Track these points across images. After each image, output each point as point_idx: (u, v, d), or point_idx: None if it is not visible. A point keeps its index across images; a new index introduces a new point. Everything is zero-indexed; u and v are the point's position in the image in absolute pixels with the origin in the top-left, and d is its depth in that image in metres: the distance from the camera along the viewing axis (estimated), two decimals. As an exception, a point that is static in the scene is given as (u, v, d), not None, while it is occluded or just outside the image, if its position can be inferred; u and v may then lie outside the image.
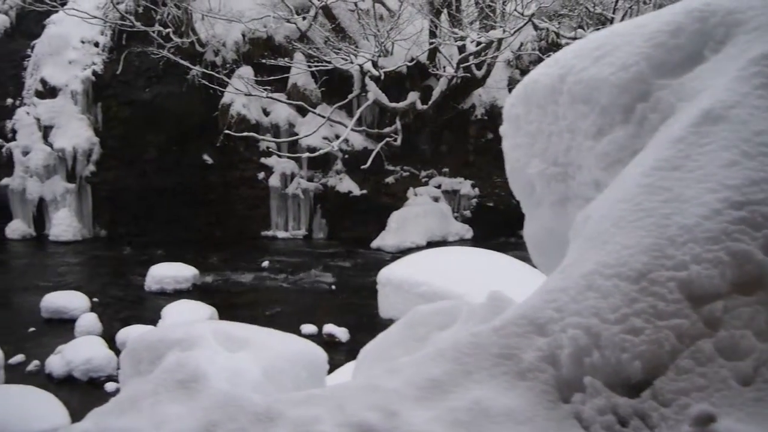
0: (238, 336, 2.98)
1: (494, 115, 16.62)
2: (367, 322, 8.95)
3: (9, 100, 15.76)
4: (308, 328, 8.51)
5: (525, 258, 8.23)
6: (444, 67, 15.58)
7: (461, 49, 14.82)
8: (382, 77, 14.59)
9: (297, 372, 2.98)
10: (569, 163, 2.54)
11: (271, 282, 11.74)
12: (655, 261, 1.82)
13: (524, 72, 16.50)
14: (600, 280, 1.89)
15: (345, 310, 9.84)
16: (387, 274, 7.15)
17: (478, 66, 15.45)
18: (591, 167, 2.39)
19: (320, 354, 3.25)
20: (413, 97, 15.50)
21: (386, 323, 7.63)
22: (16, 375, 6.89)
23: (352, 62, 14.31)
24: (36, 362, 7.24)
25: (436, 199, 16.21)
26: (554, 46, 15.99)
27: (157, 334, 2.93)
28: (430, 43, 14.98)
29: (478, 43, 14.47)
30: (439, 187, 16.47)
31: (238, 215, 15.93)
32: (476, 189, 16.66)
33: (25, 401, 4.94)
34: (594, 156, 2.37)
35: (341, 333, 8.41)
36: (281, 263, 13.11)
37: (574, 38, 14.00)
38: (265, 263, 12.90)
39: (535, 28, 15.23)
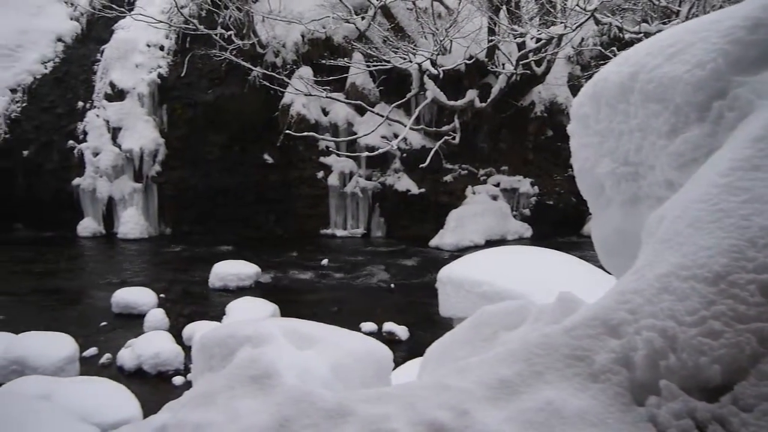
0: (306, 333, 3.03)
1: (554, 112, 16.41)
2: (426, 321, 8.97)
3: (80, 103, 16.40)
4: (368, 326, 8.57)
5: (587, 257, 8.10)
6: (503, 65, 15.45)
7: (521, 45, 14.65)
8: (441, 76, 14.56)
9: (364, 370, 3.01)
10: (640, 162, 2.49)
11: (330, 280, 11.87)
12: (734, 263, 1.78)
13: (585, 68, 16.23)
14: (676, 282, 1.86)
15: (404, 308, 9.87)
16: (447, 272, 7.12)
17: (538, 63, 15.26)
18: (664, 167, 2.34)
19: (386, 352, 3.28)
20: (471, 95, 15.42)
21: (446, 322, 7.65)
22: (90, 367, 7.18)
23: (410, 61, 14.32)
24: (108, 355, 7.51)
25: (494, 198, 16.08)
26: (616, 41, 15.67)
27: (228, 331, 3.00)
28: (489, 41, 14.87)
29: (538, 40, 14.28)
30: (497, 185, 16.34)
31: (298, 214, 16.16)
32: (535, 187, 16.45)
33: (100, 392, 5.14)
34: (667, 155, 2.32)
35: (401, 331, 8.45)
36: (340, 261, 13.23)
37: (638, 33, 13.69)
38: (325, 261, 13.06)
39: (597, 22, 14.94)
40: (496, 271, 6.71)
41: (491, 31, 14.88)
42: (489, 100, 15.35)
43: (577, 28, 13.57)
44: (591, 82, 2.73)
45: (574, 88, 16.38)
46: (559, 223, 15.89)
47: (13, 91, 16.45)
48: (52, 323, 8.48)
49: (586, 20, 13.54)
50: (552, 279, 6.13)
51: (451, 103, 15.20)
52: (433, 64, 14.51)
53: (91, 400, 4.85)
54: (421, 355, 6.58)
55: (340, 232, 16.15)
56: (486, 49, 15.05)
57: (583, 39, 15.98)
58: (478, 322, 2.64)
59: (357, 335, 3.38)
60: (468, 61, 14.66)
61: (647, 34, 14.37)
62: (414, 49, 14.65)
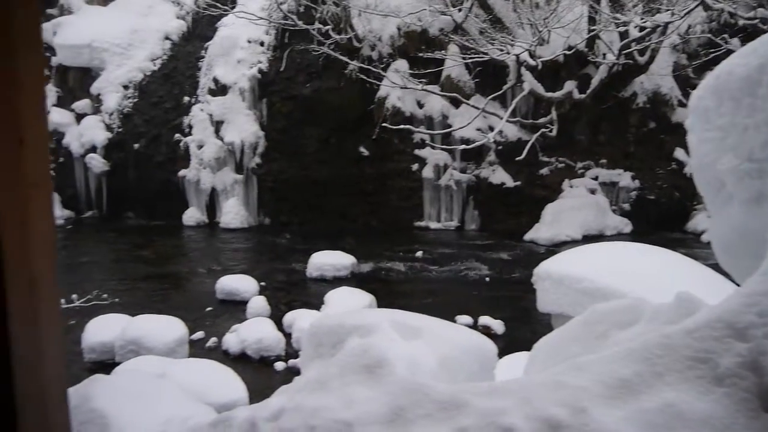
0: (412, 325, 3.09)
1: (657, 103, 15.77)
2: (523, 316, 8.88)
3: (186, 98, 17.16)
4: (463, 319, 8.57)
5: (694, 255, 7.77)
6: (604, 54, 14.97)
7: (623, 34, 14.15)
8: (540, 67, 14.28)
9: (469, 363, 3.04)
10: (767, 158, 2.39)
11: (425, 272, 11.93)
12: None
13: (692, 57, 15.50)
14: (811, 284, 1.78)
15: (500, 302, 9.81)
16: (546, 267, 7.01)
17: (641, 52, 14.70)
18: (794, 163, 2.24)
19: (491, 346, 3.29)
20: (570, 86, 15.05)
21: (545, 318, 7.55)
22: (198, 349, 7.55)
23: (508, 53, 14.12)
24: (214, 339, 7.87)
25: (592, 192, 15.64)
26: (727, 28, 14.87)
27: (337, 320, 3.10)
28: (590, 30, 14.45)
29: (642, 28, 13.74)
30: (596, 178, 15.88)
31: (392, 206, 16.30)
32: (636, 181, 15.87)
33: (210, 374, 5.41)
34: (798, 151, 2.22)
35: (497, 325, 8.41)
36: (434, 254, 13.27)
37: (753, 18, 12.95)
38: (419, 253, 13.13)
39: (707, 8, 14.22)
40: (598, 267, 6.55)
41: (592, 20, 14.45)
42: (588, 92, 14.93)
43: (685, 15, 12.96)
44: (713, 74, 2.63)
45: (680, 78, 15.68)
46: (662, 218, 15.28)
47: (125, 87, 17.42)
48: (162, 307, 8.98)
49: (696, 6, 12.92)
50: (657, 277, 5.94)
51: (549, 94, 14.89)
52: (531, 55, 14.26)
53: (202, 381, 5.11)
54: (519, 350, 6.54)
55: (433, 225, 16.17)
56: (586, 38, 14.64)
57: (690, 26, 15.23)
58: (590, 320, 2.61)
59: (462, 328, 3.40)
60: (567, 52, 14.30)
61: (764, 20, 13.57)
62: (512, 40, 14.43)
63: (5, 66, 0.68)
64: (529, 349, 6.66)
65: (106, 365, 7.05)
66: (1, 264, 0.68)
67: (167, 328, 7.04)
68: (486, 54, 14.22)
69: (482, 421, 2.02)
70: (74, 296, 9.51)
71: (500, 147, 15.76)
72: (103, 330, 7.20)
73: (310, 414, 2.40)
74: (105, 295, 9.71)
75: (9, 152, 0.70)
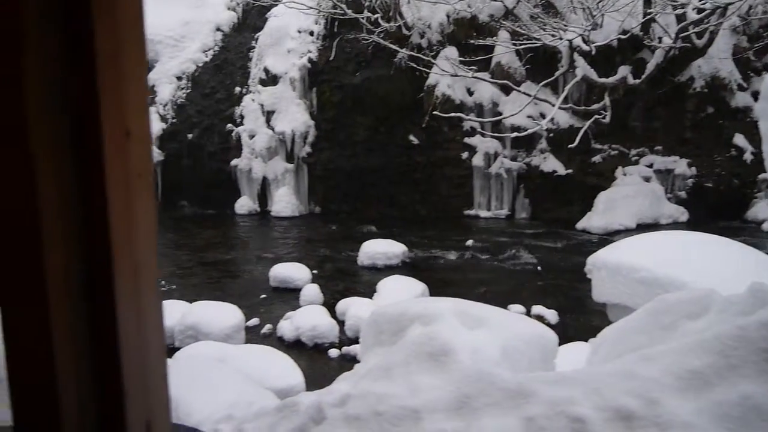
0: (474, 314, 3.10)
1: (716, 87, 15.31)
2: (576, 305, 8.79)
3: (237, 89, 17.40)
4: (516, 308, 8.51)
5: (754, 245, 7.55)
6: (659, 38, 14.59)
7: (680, 17, 13.77)
8: (593, 52, 14.01)
9: (531, 353, 3.04)
10: None
11: (475, 261, 11.89)
12: None
13: (753, 39, 14.99)
14: None
15: (552, 291, 9.72)
16: (602, 257, 6.92)
17: (699, 34, 14.28)
18: None
19: (552, 336, 3.28)
20: (624, 71, 14.73)
21: (599, 308, 7.46)
22: (253, 336, 7.71)
23: (560, 38, 13.88)
24: (269, 326, 8.02)
25: (647, 179, 15.31)
26: (792, 8, 14.31)
27: (399, 308, 3.13)
28: (646, 13, 14.09)
29: (701, 10, 13.34)
30: (650, 166, 15.53)
31: (442, 194, 16.27)
32: (693, 168, 15.47)
33: (268, 359, 5.52)
34: None
35: (550, 315, 8.34)
36: (485, 242, 13.21)
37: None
38: (470, 242, 13.08)
39: (769, -12, 13.71)
40: (656, 257, 6.44)
41: (648, 3, 14.09)
42: (643, 76, 14.58)
43: (747, -5, 12.53)
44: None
45: (740, 61, 15.18)
46: (719, 207, 14.87)
47: (179, 78, 17.76)
48: (218, 294, 9.18)
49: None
50: (719, 267, 5.81)
51: (602, 80, 14.61)
52: (585, 40, 13.99)
53: (260, 366, 5.23)
54: (573, 340, 6.48)
55: (483, 213, 16.09)
56: (642, 22, 14.28)
57: (751, 7, 14.72)
58: (656, 310, 2.58)
59: (523, 318, 3.40)
60: (622, 36, 13.98)
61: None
62: (565, 25, 14.19)
63: (113, 59, 0.71)
64: (584, 339, 6.61)
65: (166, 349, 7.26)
66: (110, 250, 0.72)
67: (224, 314, 7.20)
68: (538, 40, 14.02)
69: (550, 411, 2.03)
70: (134, 283, 9.78)
71: (551, 134, 15.55)
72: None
73: (377, 400, 2.45)
74: (163, 282, 9.96)
75: (117, 144, 0.74)
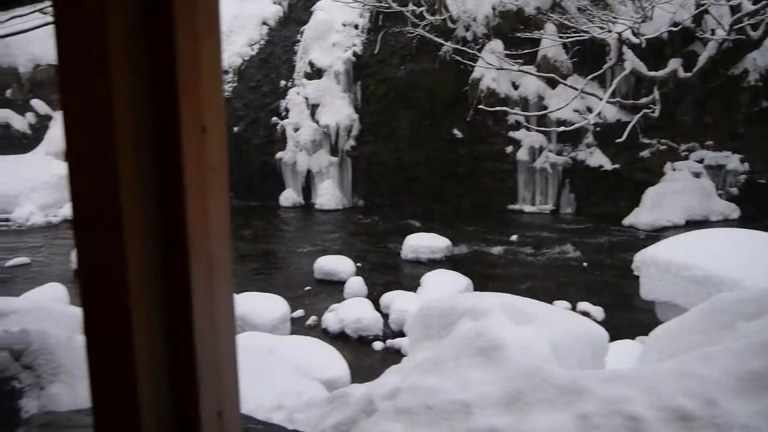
0: (522, 309, 3.09)
1: (772, 80, 14.84)
2: (623, 303, 8.66)
3: (283, 82, 17.56)
4: (561, 304, 8.43)
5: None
6: (712, 30, 14.20)
7: (735, 8, 13.37)
8: (643, 45, 13.72)
9: (581, 349, 3.01)
10: None
11: (520, 256, 11.80)
12: None
13: (812, 30, 14.45)
14: None
15: (598, 288, 9.59)
16: (651, 254, 6.80)
17: (755, 26, 13.84)
18: None
19: (602, 333, 3.25)
20: (674, 64, 14.38)
21: (648, 305, 7.34)
22: (299, 327, 7.81)
23: (609, 30, 13.62)
24: (314, 317, 8.11)
25: (697, 175, 14.94)
26: None
27: (448, 303, 3.14)
28: (699, 5, 13.72)
29: (756, 1, 12.94)
30: (701, 161, 15.14)
31: (486, 188, 16.17)
32: (746, 164, 15.02)
33: (314, 351, 5.59)
34: None
35: (596, 312, 8.24)
36: (529, 237, 13.09)
37: None
38: (514, 237, 12.99)
39: (830, -22, 13.21)
40: (707, 254, 6.30)
41: (700, -6, 13.73)
42: (695, 69, 14.21)
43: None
44: None
45: (797, 53, 14.67)
46: (774, 203, 14.44)
47: (226, 72, 17.99)
48: (264, 285, 9.31)
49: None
50: (774, 265, 5.66)
51: (652, 73, 14.29)
52: (634, 32, 13.71)
53: (307, 357, 5.30)
54: (621, 337, 6.38)
55: (527, 208, 15.93)
56: (694, 14, 13.92)
57: (810, -3, 14.20)
58: (714, 309, 2.53)
59: (573, 314, 3.37)
60: (673, 28, 13.65)
61: None
62: (614, 17, 13.92)
63: (191, 57, 0.74)
64: (632, 336, 6.52)
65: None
66: (186, 243, 0.74)
67: (271, 305, 7.31)
68: (586, 33, 13.78)
69: (605, 409, 2.01)
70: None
71: (598, 128, 15.29)
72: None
73: (427, 394, 2.46)
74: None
75: (194, 140, 0.76)
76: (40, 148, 18.79)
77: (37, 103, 20.18)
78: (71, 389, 3.44)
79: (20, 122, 20.07)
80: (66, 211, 15.85)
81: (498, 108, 14.67)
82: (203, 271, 0.79)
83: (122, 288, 0.73)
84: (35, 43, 19.28)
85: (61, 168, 17.11)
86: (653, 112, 14.36)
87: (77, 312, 5.78)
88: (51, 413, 3.19)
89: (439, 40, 15.50)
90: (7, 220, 15.45)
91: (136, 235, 0.73)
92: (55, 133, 18.66)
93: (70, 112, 0.69)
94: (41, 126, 19.90)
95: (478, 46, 15.60)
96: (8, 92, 20.22)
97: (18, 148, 19.45)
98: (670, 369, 2.05)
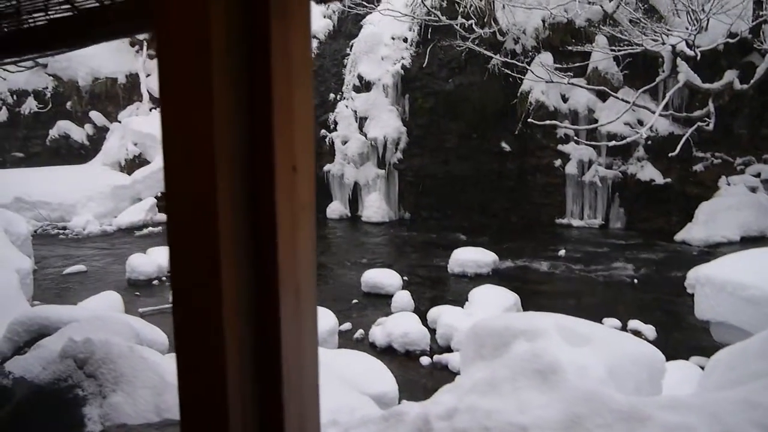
0: (579, 331, 3.06)
1: (833, 93, 14.37)
2: (676, 322, 8.47)
3: (332, 95, 17.76)
4: (611, 322, 8.29)
5: None
6: (771, 41, 13.84)
7: (795, 19, 13.02)
8: (698, 57, 13.45)
9: (638, 373, 2.97)
10: None
11: (568, 271, 11.64)
12: None
13: None
14: None
15: (650, 306, 9.39)
16: (705, 272, 6.64)
17: (815, 38, 13.45)
18: None
19: (659, 356, 3.20)
20: (730, 76, 14.05)
21: (702, 325, 7.17)
22: (346, 340, 7.85)
23: (663, 43, 13.40)
24: (361, 331, 8.14)
25: (753, 190, 14.53)
26: None
27: (502, 322, 3.13)
28: (757, 15, 13.40)
29: (818, 12, 12.58)
30: (757, 175, 14.72)
31: (533, 202, 16.03)
32: (805, 179, 14.57)
33: (362, 365, 5.62)
34: None
35: (648, 330, 8.06)
36: (577, 252, 12.92)
37: None
38: (562, 252, 12.83)
39: None
40: (765, 274, 6.12)
41: (759, 4, 13.40)
42: (752, 81, 13.85)
43: None
44: None
45: None
46: (835, 220, 13.94)
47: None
48: (312, 297, 9.38)
49: None
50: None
51: (706, 85, 13.99)
52: (689, 44, 13.46)
53: (356, 371, 5.33)
54: (674, 358, 6.24)
55: (576, 222, 15.74)
56: (752, 25, 13.60)
57: None
58: (778, 336, 2.47)
59: (628, 336, 3.33)
60: (730, 40, 13.36)
61: None
62: (668, 29, 13.70)
63: (286, 103, 0.78)
64: (686, 357, 6.37)
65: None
66: (277, 275, 0.78)
67: (319, 318, 7.37)
68: (639, 45, 13.58)
69: (668, 437, 1.99)
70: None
71: (649, 141, 15.02)
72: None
73: (484, 416, 2.46)
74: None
75: (285, 178, 0.80)
76: (97, 159, 19.39)
77: (95, 115, 20.85)
78: (132, 399, 3.55)
79: (79, 133, 20.76)
80: (120, 220, 16.30)
81: (547, 121, 14.56)
82: (291, 300, 0.84)
83: (217, 313, 0.77)
84: (95, 57, 19.98)
85: (117, 178, 17.61)
86: (708, 124, 14.06)
87: (134, 321, 5.94)
88: (124, 426, 3.29)
89: (488, 53, 15.49)
90: (65, 228, 15.96)
91: (230, 264, 0.77)
92: (112, 144, 19.23)
93: (172, 149, 0.75)
94: (98, 137, 20.55)
95: (527, 59, 15.52)
96: (68, 104, 20.94)
97: (76, 159, 20.12)
98: (735, 397, 2.02)
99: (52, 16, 1.53)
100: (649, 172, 15.17)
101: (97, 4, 1.43)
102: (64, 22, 1.67)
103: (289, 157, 0.84)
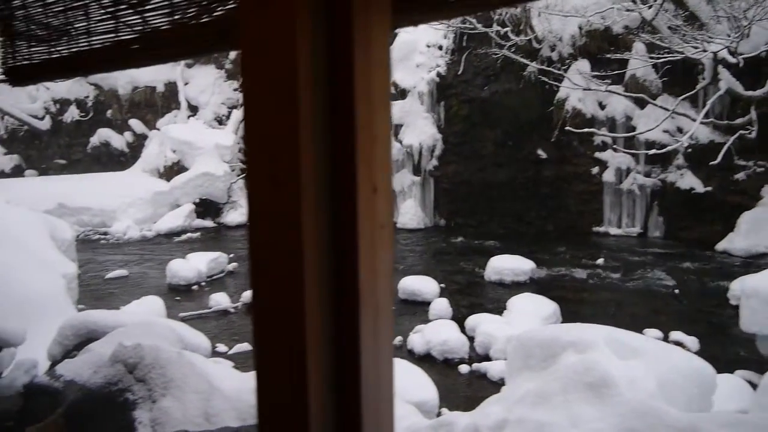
0: (629, 344, 3.04)
1: None
2: (720, 333, 8.32)
3: (367, 103, 17.84)
4: (652, 332, 8.17)
5: None
6: (817, 47, 13.53)
7: (841, 25, 12.71)
8: (741, 64, 13.22)
9: (689, 387, 2.94)
10: None
11: (606, 280, 11.51)
12: None
13: None
14: None
15: (691, 317, 9.23)
16: (752, 284, 6.52)
17: None
18: None
19: (710, 371, 3.15)
20: (774, 82, 13.77)
21: (748, 337, 7.02)
22: (384, 348, 7.86)
23: (704, 50, 13.19)
24: (399, 338, 8.16)
25: (797, 199, 14.21)
26: None
27: (551, 334, 3.13)
28: (802, 22, 13.11)
29: None
30: (802, 185, 14.41)
31: (570, 210, 15.89)
32: None
33: (403, 372, 5.63)
34: None
35: (691, 342, 7.93)
36: (616, 261, 12.76)
37: None
38: (600, 260, 12.69)
39: None
40: (815, 286, 5.99)
41: (803, 10, 13.12)
42: (796, 89, 13.56)
43: None
44: None
45: None
46: None
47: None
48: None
49: None
50: None
51: (749, 93, 13.72)
52: (731, 51, 13.23)
53: (396, 379, 5.34)
54: (720, 371, 6.12)
55: (613, 231, 15.55)
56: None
57: None
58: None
59: (678, 350, 3.29)
60: (774, 46, 13.09)
61: None
62: (709, 36, 13.48)
63: (367, 125, 0.81)
64: (731, 370, 6.25)
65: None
66: (358, 294, 0.81)
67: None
68: (680, 52, 13.38)
69: (728, 453, 1.97)
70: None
71: (689, 149, 14.78)
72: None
73: (536, 428, 2.46)
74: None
75: (367, 199, 0.83)
76: (136, 166, 19.77)
77: (135, 123, 21.27)
78: (181, 404, 3.62)
79: (119, 141, 21.19)
80: (160, 225, 16.58)
81: (585, 129, 14.42)
82: (370, 318, 0.86)
83: (299, 329, 0.80)
84: (134, 66, 20.34)
85: (156, 185, 17.93)
86: (750, 132, 13.78)
87: (178, 326, 6.04)
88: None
89: (524, 61, 15.42)
90: (106, 233, 16.29)
91: (313, 283, 0.80)
92: (151, 152, 19.59)
93: (257, 169, 0.78)
94: (138, 144, 20.96)
95: (564, 67, 15.41)
96: (108, 112, 21.39)
97: (116, 165, 20.54)
98: (797, 416, 1.99)
99: (122, 37, 1.59)
100: (689, 181, 14.93)
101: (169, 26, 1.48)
102: (132, 42, 1.73)
103: (370, 178, 0.87)
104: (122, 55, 1.55)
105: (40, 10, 1.70)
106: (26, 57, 1.84)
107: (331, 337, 0.86)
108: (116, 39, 1.55)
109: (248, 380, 4.04)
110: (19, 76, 1.92)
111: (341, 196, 0.85)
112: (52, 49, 1.72)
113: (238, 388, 3.67)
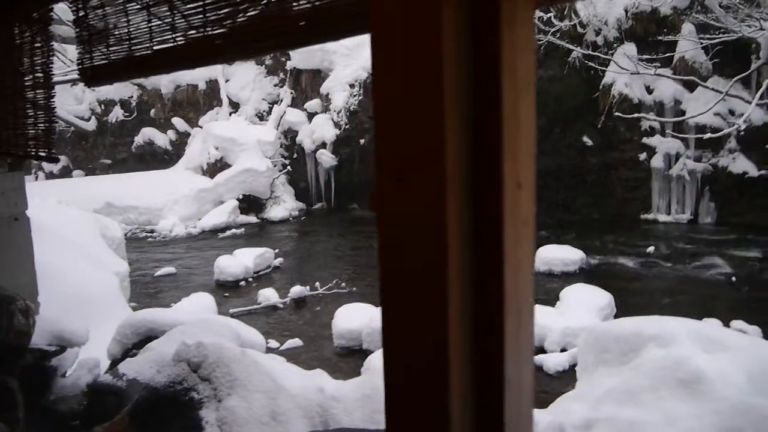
0: (712, 336, 2.91)
1: None
2: (785, 322, 8.03)
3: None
4: (711, 321, 7.88)
5: None
6: None
7: None
8: (798, 42, 12.74)
9: (781, 381, 2.80)
10: None
11: (658, 268, 11.24)
12: None
13: None
14: None
15: (752, 305, 8.94)
16: (821, 270, 6.27)
17: None
18: None
19: (800, 364, 3.00)
20: (832, 61, 13.27)
21: (817, 326, 6.75)
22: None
23: (762, 28, 12.72)
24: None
25: None
26: None
27: (629, 327, 3.01)
28: None
29: None
30: None
31: (617, 197, 15.58)
32: None
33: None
34: None
35: (754, 332, 7.64)
36: (667, 248, 12.46)
37: None
38: (650, 248, 12.39)
39: None
40: None
41: None
42: None
43: None
44: None
45: None
46: None
47: (351, 86, 18.41)
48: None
49: None
50: None
51: (805, 72, 13.24)
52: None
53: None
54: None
55: (662, 217, 15.18)
56: None
57: None
58: None
59: (764, 342, 3.14)
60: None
61: None
62: (766, 14, 13.01)
63: (512, 114, 0.74)
64: (803, 360, 5.99)
65: (353, 351, 7.55)
66: (503, 295, 0.74)
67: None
68: (734, 32, 12.93)
69: None
70: (317, 284, 10.28)
71: (742, 132, 14.32)
72: (351, 318, 7.70)
73: (628, 428, 2.36)
74: (343, 284, 10.36)
75: (510, 195, 0.76)
76: (180, 164, 20.01)
77: (178, 121, 21.54)
78: (247, 402, 3.60)
79: (162, 139, 21.49)
80: (204, 222, 16.76)
81: (633, 114, 14.08)
82: (513, 321, 0.79)
83: (442, 331, 0.74)
84: (176, 64, 20.56)
85: (200, 182, 18.12)
86: (807, 113, 13.30)
87: (233, 323, 6.05)
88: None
89: (569, 46, 15.12)
90: (152, 231, 16.53)
91: (455, 282, 0.74)
92: (194, 149, 19.81)
93: (388, 161, 0.71)
94: (181, 142, 21.23)
95: (610, 51, 15.06)
96: (152, 112, 21.70)
97: (160, 164, 20.84)
98: None
99: (209, 32, 1.54)
100: (742, 164, 14.49)
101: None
102: (217, 37, 1.68)
103: (514, 173, 0.79)
104: (209, 50, 1.49)
105: (120, 7, 1.66)
106: (104, 57, 1.81)
107: (472, 335, 0.78)
108: (201, 35, 1.50)
109: (311, 377, 4.00)
110: (96, 77, 1.89)
111: (484, 191, 0.77)
112: (133, 48, 1.68)
113: (302, 385, 3.64)
